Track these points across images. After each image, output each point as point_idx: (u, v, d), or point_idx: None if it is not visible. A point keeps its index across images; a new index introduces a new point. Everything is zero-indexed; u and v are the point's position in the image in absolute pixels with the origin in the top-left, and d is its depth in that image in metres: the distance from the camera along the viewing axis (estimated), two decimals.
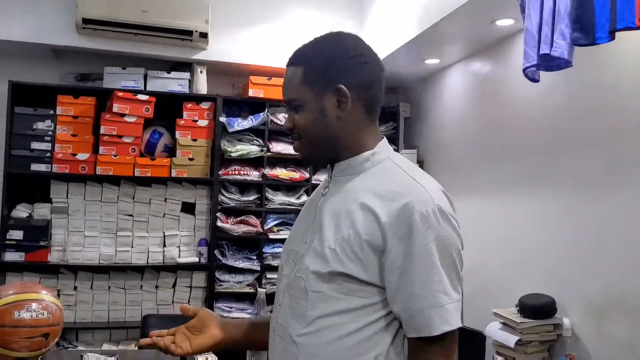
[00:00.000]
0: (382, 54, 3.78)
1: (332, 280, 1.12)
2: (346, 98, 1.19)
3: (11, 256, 3.61)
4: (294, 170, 4.05)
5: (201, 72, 4.00)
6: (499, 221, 3.27)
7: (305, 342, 1.14)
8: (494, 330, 2.81)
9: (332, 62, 1.20)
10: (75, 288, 3.77)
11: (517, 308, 2.74)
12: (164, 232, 3.94)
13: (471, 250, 3.48)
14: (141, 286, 3.89)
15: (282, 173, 4.04)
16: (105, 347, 3.69)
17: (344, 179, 1.22)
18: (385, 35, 3.75)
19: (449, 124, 3.92)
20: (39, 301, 1.83)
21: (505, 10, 2.83)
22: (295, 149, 1.28)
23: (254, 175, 4.02)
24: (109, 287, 3.83)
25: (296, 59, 1.24)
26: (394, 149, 3.84)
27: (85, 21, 3.57)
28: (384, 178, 1.17)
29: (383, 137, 1.26)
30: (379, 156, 1.21)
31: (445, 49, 3.58)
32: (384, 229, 1.10)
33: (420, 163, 4.20)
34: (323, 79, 1.19)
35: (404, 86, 4.39)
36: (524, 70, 2.18)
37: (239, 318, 1.50)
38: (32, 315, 1.79)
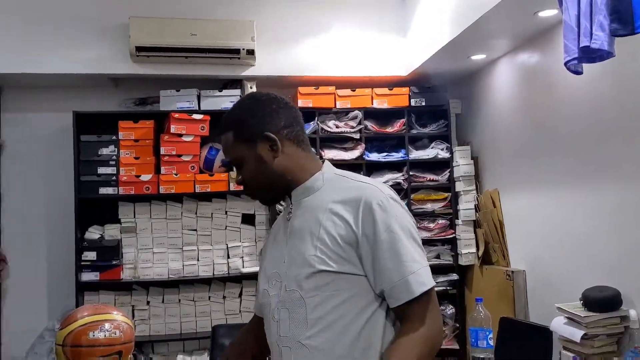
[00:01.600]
0: (426, 55, 3.79)
1: (321, 280, 1.29)
2: (275, 141, 1.37)
3: (87, 276, 3.84)
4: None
5: (251, 87, 4.12)
6: (558, 214, 3.21)
7: (314, 342, 1.29)
8: (559, 325, 2.76)
9: (252, 118, 1.39)
10: (148, 303, 3.96)
11: (582, 302, 2.69)
12: (227, 244, 4.07)
13: (531, 244, 3.48)
14: (209, 297, 4.04)
15: None
16: (180, 357, 3.86)
17: (304, 200, 1.39)
18: (429, 36, 3.75)
19: (500, 117, 3.88)
20: (111, 321, 1.95)
21: (546, 0, 2.79)
22: (252, 197, 1.49)
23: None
24: (179, 300, 4.00)
25: (224, 127, 1.42)
26: (446, 147, 3.82)
27: (139, 49, 3.75)
28: (338, 188, 1.36)
29: (325, 160, 1.47)
30: (327, 174, 1.41)
31: (490, 44, 3.55)
32: (352, 228, 1.29)
33: (475, 159, 4.17)
34: (250, 133, 1.38)
35: (452, 84, 4.36)
36: (565, 64, 2.16)
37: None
38: (105, 335, 1.92)
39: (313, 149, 4.04)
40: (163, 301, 3.98)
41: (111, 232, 3.96)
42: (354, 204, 1.30)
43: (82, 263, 3.84)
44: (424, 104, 4.23)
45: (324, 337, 1.29)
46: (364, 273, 1.29)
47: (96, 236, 3.93)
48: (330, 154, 4.10)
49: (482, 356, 2.42)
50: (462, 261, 4.08)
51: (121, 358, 1.94)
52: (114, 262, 3.88)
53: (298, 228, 1.37)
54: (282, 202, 1.48)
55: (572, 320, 2.69)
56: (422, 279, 1.27)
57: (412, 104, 4.22)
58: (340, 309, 1.28)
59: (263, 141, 1.37)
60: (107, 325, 1.94)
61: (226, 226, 4.10)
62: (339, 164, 4.15)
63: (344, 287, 1.28)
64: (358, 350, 1.28)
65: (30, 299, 4.12)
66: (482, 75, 4.09)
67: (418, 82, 4.27)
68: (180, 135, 3.97)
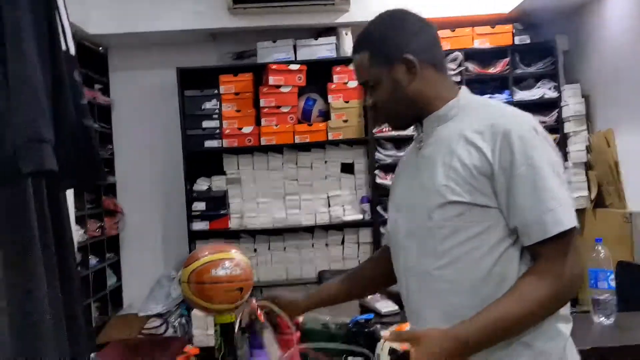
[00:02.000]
0: None
1: (453, 212, 1.22)
2: (413, 64, 1.29)
3: (198, 225, 4.03)
4: None
5: (346, 34, 4.07)
6: None
7: (442, 274, 1.25)
8: None
9: (391, 38, 1.31)
10: (255, 250, 4.11)
11: None
12: (327, 194, 4.12)
13: None
14: (312, 245, 4.13)
15: None
16: None
17: (437, 128, 1.31)
18: None
19: (614, 53, 3.61)
20: (231, 259, 2.02)
21: None
22: (381, 123, 1.43)
23: (407, 130, 4.02)
24: (284, 248, 4.12)
25: (359, 46, 1.35)
26: (554, 86, 3.63)
27: (235, 1, 3.79)
28: (475, 116, 1.27)
29: (462, 86, 1.36)
30: (464, 101, 1.32)
31: None
32: (488, 159, 1.20)
33: (586, 98, 3.93)
34: (388, 55, 1.30)
35: (559, 18, 4.09)
36: None
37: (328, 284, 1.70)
38: (226, 272, 1.99)
39: None
40: (269, 249, 4.12)
41: (217, 183, 4.10)
42: (492, 133, 1.21)
43: (193, 213, 4.02)
44: (528, 41, 4.01)
45: (453, 269, 1.24)
46: (498, 206, 1.21)
47: (204, 187, 4.09)
48: None
49: (602, 297, 2.32)
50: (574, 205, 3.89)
51: (242, 294, 2.02)
52: (222, 212, 4.04)
53: (429, 157, 1.30)
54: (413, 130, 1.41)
55: None
56: (560, 218, 1.16)
57: (516, 42, 4.01)
58: (471, 241, 1.22)
59: (401, 63, 1.29)
60: (227, 263, 2.01)
61: (326, 176, 4.14)
62: None
63: (477, 220, 1.22)
64: (489, 286, 1.22)
65: (146, 248, 4.39)
66: (594, 7, 3.80)
67: (522, 18, 4.04)
68: (279, 87, 4.01)
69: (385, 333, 1.24)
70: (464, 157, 1.23)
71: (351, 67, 3.95)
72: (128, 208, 4.41)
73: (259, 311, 1.71)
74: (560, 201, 1.18)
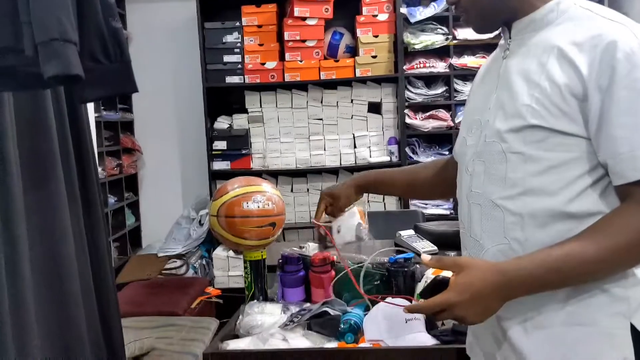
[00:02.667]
0: None
1: (532, 137, 1.04)
2: None
3: (218, 165, 3.89)
4: (483, 57, 3.77)
5: None
6: None
7: (511, 205, 1.08)
8: None
9: None
10: None
11: None
12: (353, 134, 3.95)
13: None
14: None
15: (470, 61, 3.79)
16: (310, 244, 3.87)
17: (527, 36, 1.11)
18: None
19: None
20: (263, 192, 1.89)
21: None
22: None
23: (440, 66, 3.82)
24: (308, 190, 3.98)
25: None
26: None
27: None
28: (575, 25, 1.05)
29: None
30: (564, 4, 1.09)
31: None
32: (584, 80, 1.00)
33: None
34: None
35: None
36: None
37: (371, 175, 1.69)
38: (258, 206, 1.86)
39: (445, 28, 3.75)
40: (292, 190, 3.98)
41: (239, 121, 3.94)
42: (592, 46, 1.00)
43: (214, 152, 3.88)
44: None
45: (522, 201, 1.07)
46: (588, 135, 1.02)
47: (225, 126, 3.94)
48: (464, 33, 3.76)
49: None
50: None
51: (274, 230, 1.88)
52: (244, 152, 3.89)
53: (515, 70, 1.11)
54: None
55: None
56: None
57: None
58: (549, 173, 1.04)
59: None
60: (259, 197, 1.87)
61: (352, 115, 3.96)
62: (475, 45, 3.85)
63: (559, 149, 1.03)
64: (563, 225, 1.04)
65: (165, 187, 4.28)
66: None
67: None
68: (304, 19, 3.79)
69: (425, 257, 1.08)
70: (555, 73, 1.03)
71: None
72: (146, 146, 4.27)
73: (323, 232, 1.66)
74: None
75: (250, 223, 1.85)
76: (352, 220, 1.63)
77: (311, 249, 2.23)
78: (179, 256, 3.91)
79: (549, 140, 1.04)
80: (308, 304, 1.77)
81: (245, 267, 1.93)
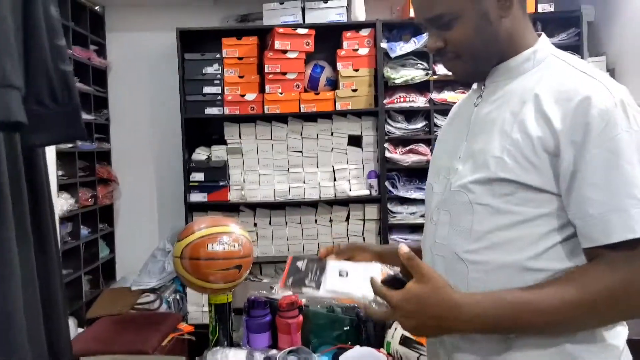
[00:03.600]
0: None
1: (500, 190, 1.01)
2: None
3: (196, 197, 3.83)
4: (463, 92, 3.77)
5: None
6: None
7: (476, 259, 1.04)
8: None
9: None
10: (255, 224, 3.91)
11: None
12: (333, 167, 3.91)
13: None
14: (316, 220, 3.93)
15: (450, 96, 3.78)
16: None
17: (501, 83, 1.08)
18: None
19: None
20: (230, 234, 1.84)
21: None
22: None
23: (420, 101, 3.81)
24: (286, 223, 3.92)
25: None
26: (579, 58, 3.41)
27: None
28: (551, 76, 1.03)
29: (542, 34, 1.11)
30: (541, 54, 1.07)
31: None
32: (557, 134, 0.96)
33: (611, 71, 3.69)
34: None
35: None
36: None
37: (392, 246, 1.37)
38: (224, 248, 1.80)
39: (425, 63, 3.75)
40: (270, 223, 3.92)
41: (218, 153, 3.89)
42: (566, 100, 0.97)
43: (191, 184, 3.82)
44: (552, 10, 3.76)
45: (488, 256, 1.02)
46: (559, 192, 0.98)
47: (203, 157, 3.89)
48: (442, 68, 3.76)
49: None
50: None
51: (240, 272, 1.83)
52: (222, 183, 3.83)
53: (487, 119, 1.07)
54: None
55: None
56: (633, 223, 0.92)
57: (539, 10, 3.76)
58: (516, 228, 1.00)
59: None
60: (225, 238, 1.82)
61: (332, 148, 3.93)
62: (454, 80, 3.84)
63: (529, 204, 0.99)
64: (527, 284, 1.00)
65: (141, 219, 4.21)
66: None
67: None
68: (285, 52, 3.77)
69: (403, 248, 1.03)
70: (528, 125, 0.99)
71: (363, 32, 3.73)
72: (123, 177, 4.21)
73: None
74: (638, 201, 0.93)
75: (215, 265, 1.80)
76: (368, 273, 1.14)
77: (280, 290, 2.16)
78: (152, 290, 3.81)
79: (518, 194, 1.00)
80: (274, 351, 1.71)
81: (209, 311, 1.87)
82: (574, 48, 3.77)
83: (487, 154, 1.03)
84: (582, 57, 3.74)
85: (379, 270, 1.18)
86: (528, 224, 1.00)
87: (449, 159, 1.14)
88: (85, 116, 3.80)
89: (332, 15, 3.84)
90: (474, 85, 1.17)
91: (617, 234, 0.93)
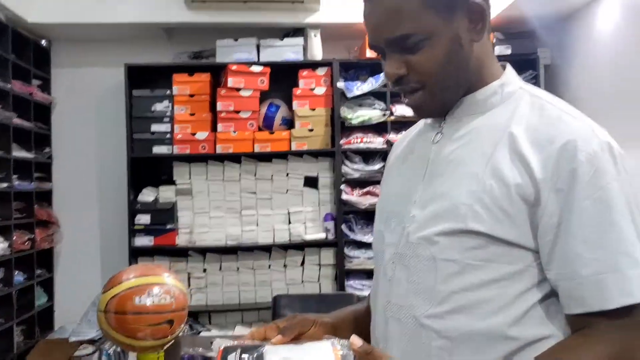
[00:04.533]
0: None
1: (469, 243, 0.86)
2: (483, 15, 0.89)
3: (141, 241, 3.60)
4: None
5: (315, 36, 3.75)
6: None
7: (440, 324, 0.88)
8: None
9: None
10: (204, 270, 3.70)
11: None
12: (288, 209, 3.76)
13: None
14: (269, 266, 3.74)
15: None
16: (238, 329, 3.58)
17: (465, 119, 0.94)
18: None
19: (600, 68, 3.36)
20: (161, 285, 1.63)
21: None
22: (412, 103, 0.94)
23: (377, 142, 3.72)
24: (238, 268, 3.72)
25: None
26: None
27: None
28: (525, 113, 0.89)
29: (506, 64, 0.98)
30: (510, 87, 0.93)
31: None
32: (537, 181, 0.84)
33: None
34: None
35: (542, 29, 3.84)
36: None
37: (343, 312, 1.09)
38: (154, 301, 1.60)
39: (382, 103, 3.69)
40: (220, 269, 3.71)
41: (166, 194, 3.69)
42: (548, 142, 0.84)
43: (136, 227, 3.60)
44: (509, 52, 3.75)
45: (454, 321, 0.87)
46: (535, 247, 0.85)
47: (150, 198, 3.68)
48: (402, 109, 3.69)
49: None
50: None
51: (172, 328, 1.63)
52: (169, 227, 3.62)
53: (450, 158, 0.92)
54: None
55: None
56: (630, 286, 0.80)
57: (497, 52, 3.74)
58: (488, 287, 0.86)
59: (465, 15, 0.88)
60: (156, 290, 1.61)
61: (287, 189, 3.78)
62: (412, 121, 3.75)
63: (500, 260, 0.86)
64: (499, 353, 0.86)
65: (83, 264, 3.95)
66: (580, 18, 3.57)
67: (504, 27, 3.78)
68: (239, 90, 3.64)
69: (356, 342, 0.81)
70: (503, 169, 0.86)
71: (320, 71, 3.64)
72: (65, 219, 3.95)
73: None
74: (635, 260, 0.81)
75: (143, 320, 1.59)
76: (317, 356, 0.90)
77: (219, 345, 1.96)
78: (92, 341, 3.53)
79: (489, 248, 0.86)
80: None
81: None
82: None
83: (453, 200, 0.88)
84: None
85: (330, 353, 0.96)
86: (500, 283, 0.86)
87: (401, 203, 0.97)
88: (24, 154, 3.57)
89: (288, 53, 3.74)
90: (429, 120, 1.01)
91: (615, 299, 0.80)
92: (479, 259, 0.86)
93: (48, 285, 3.92)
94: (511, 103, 0.92)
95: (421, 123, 1.05)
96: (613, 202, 0.82)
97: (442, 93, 0.92)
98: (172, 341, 1.67)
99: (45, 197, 3.91)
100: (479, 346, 0.86)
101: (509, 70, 0.96)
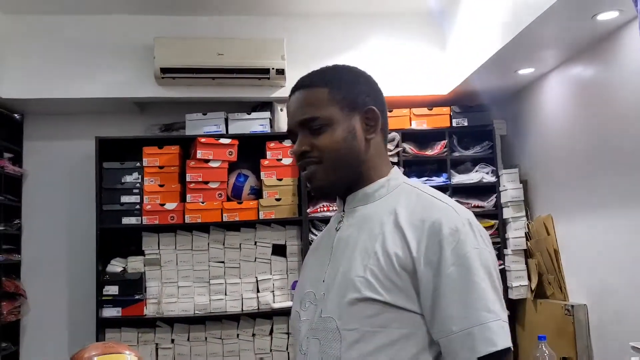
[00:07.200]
0: (468, 71, 3.53)
1: (366, 311, 1.02)
2: (376, 121, 1.16)
3: (109, 312, 3.60)
4: None
5: (281, 110, 3.91)
6: (625, 237, 2.86)
7: None
8: None
9: (357, 86, 1.17)
10: (172, 341, 3.70)
11: None
12: (256, 277, 3.80)
13: (593, 275, 3.11)
14: (237, 335, 3.75)
15: None
16: None
17: (359, 208, 1.16)
18: (470, 51, 3.50)
19: (551, 137, 3.56)
20: None
21: (607, 1, 2.51)
22: (308, 176, 1.15)
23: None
24: (206, 338, 3.72)
25: (316, 80, 1.17)
26: (492, 170, 3.58)
27: (164, 70, 3.58)
28: (405, 200, 1.12)
29: (394, 166, 1.23)
30: (394, 182, 1.17)
31: (539, 56, 3.27)
32: (411, 252, 1.03)
33: (524, 183, 3.84)
34: (352, 100, 1.15)
35: (496, 102, 4.07)
36: None
37: None
38: None
39: None
40: (188, 339, 3.71)
41: (134, 264, 3.72)
42: (421, 227, 1.04)
43: (104, 298, 3.61)
44: (466, 124, 3.94)
45: None
46: (421, 311, 1.01)
47: (118, 269, 3.70)
48: None
49: None
50: (513, 295, 3.72)
51: None
52: (137, 297, 3.63)
53: (348, 241, 1.11)
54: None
55: None
56: (493, 336, 0.96)
57: (454, 124, 3.94)
58: (386, 351, 1.00)
59: (363, 115, 1.15)
60: None
61: (255, 258, 3.84)
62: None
63: (394, 325, 1.01)
64: None
65: (49, 336, 3.92)
66: (530, 92, 3.80)
67: (459, 101, 4.00)
68: (207, 161, 3.76)
69: None
70: (387, 244, 1.04)
71: (287, 143, 3.79)
72: (32, 291, 3.93)
73: None
74: (494, 314, 0.98)
75: None
76: None
77: None
78: None
79: (383, 315, 1.00)
80: None
81: None
82: (489, 160, 3.94)
83: (350, 274, 1.05)
84: (497, 169, 3.91)
85: None
86: (395, 346, 1.00)
87: (312, 285, 1.14)
88: None
89: (256, 126, 3.89)
90: (335, 213, 1.22)
91: (480, 348, 0.95)
92: (375, 325, 1.00)
93: (13, 359, 3.86)
94: (395, 194, 1.12)
95: (331, 219, 1.24)
96: (473, 266, 1.00)
97: (334, 171, 1.13)
98: None
99: (14, 269, 3.90)
100: None
101: (395, 169, 1.20)
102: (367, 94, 1.17)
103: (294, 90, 1.20)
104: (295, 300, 1.21)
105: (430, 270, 1.00)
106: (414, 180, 1.20)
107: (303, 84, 1.17)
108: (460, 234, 1.02)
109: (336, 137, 1.12)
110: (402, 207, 1.09)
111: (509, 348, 0.98)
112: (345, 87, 1.15)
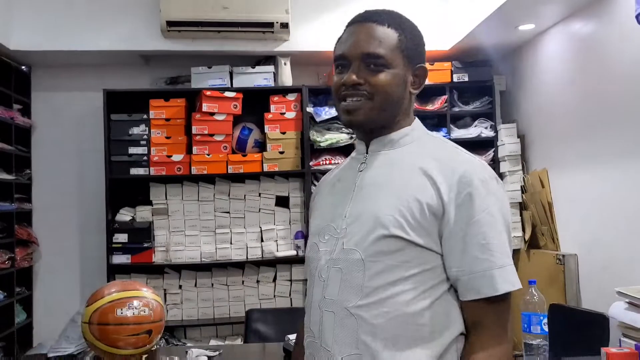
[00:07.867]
0: (471, 26, 3.57)
1: (390, 246, 1.11)
2: (423, 79, 1.24)
3: (118, 259, 3.75)
4: None
5: (285, 64, 3.96)
6: (614, 192, 2.98)
7: (366, 314, 1.12)
8: (619, 311, 2.53)
9: (421, 42, 1.25)
10: (180, 287, 3.86)
11: None
12: (260, 227, 3.94)
13: (584, 227, 3.25)
14: (243, 282, 3.92)
15: None
16: (212, 342, 3.74)
17: (384, 152, 1.22)
18: (472, 6, 3.53)
19: (549, 93, 3.64)
20: (140, 298, 1.83)
21: None
22: (351, 108, 1.19)
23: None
24: (212, 284, 3.89)
25: (387, 21, 1.20)
26: (490, 126, 3.65)
27: (170, 24, 3.63)
28: (432, 149, 1.20)
29: (416, 117, 1.28)
30: (417, 132, 1.25)
31: (540, 11, 3.31)
32: (442, 197, 1.11)
33: (521, 137, 3.94)
34: (413, 54, 1.21)
35: (496, 57, 4.12)
36: (637, 16, 1.94)
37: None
38: (134, 313, 1.79)
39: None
40: (196, 285, 3.88)
41: (142, 214, 3.86)
42: (450, 173, 1.13)
43: (114, 245, 3.75)
44: (466, 79, 4.01)
45: (377, 310, 1.11)
46: (440, 251, 1.13)
47: (127, 218, 3.84)
48: None
49: (535, 342, 2.23)
50: None
51: (151, 337, 1.81)
52: (146, 245, 3.78)
53: (374, 182, 1.19)
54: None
55: (635, 305, 2.47)
56: (510, 277, 1.11)
57: (454, 80, 4.00)
58: (405, 283, 1.11)
59: (415, 70, 1.22)
60: (135, 303, 1.81)
61: (260, 208, 3.97)
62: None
63: (415, 261, 1.12)
64: (413, 336, 1.11)
65: (61, 282, 4.08)
66: (530, 48, 3.85)
67: (460, 56, 4.05)
68: (212, 114, 3.84)
69: None
70: (418, 191, 1.13)
71: (290, 97, 3.87)
72: (44, 238, 4.08)
73: None
74: (510, 259, 1.13)
75: (124, 331, 1.78)
76: None
77: (194, 355, 2.14)
78: (71, 356, 3.65)
79: (406, 251, 1.11)
80: None
81: None
82: (488, 115, 4.03)
83: (378, 213, 1.14)
84: (495, 124, 3.99)
85: None
86: (415, 278, 1.12)
87: (333, 219, 1.22)
88: (5, 176, 3.71)
89: (260, 79, 3.96)
90: (354, 154, 1.30)
91: (500, 287, 1.09)
92: (399, 260, 1.11)
93: (27, 303, 4.04)
94: (421, 144, 1.22)
95: (347, 159, 1.32)
96: (496, 216, 1.11)
97: (379, 111, 1.20)
98: (151, 350, 1.86)
99: (25, 218, 4.04)
100: (396, 333, 1.10)
101: (417, 121, 1.27)
102: (424, 53, 1.25)
103: (360, 20, 1.22)
104: (312, 233, 1.28)
105: (460, 215, 1.10)
106: (434, 133, 1.31)
107: (373, 18, 1.21)
108: (489, 185, 1.12)
109: (391, 81, 1.18)
110: (430, 156, 1.17)
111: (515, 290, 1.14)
112: (412, 40, 1.21)
